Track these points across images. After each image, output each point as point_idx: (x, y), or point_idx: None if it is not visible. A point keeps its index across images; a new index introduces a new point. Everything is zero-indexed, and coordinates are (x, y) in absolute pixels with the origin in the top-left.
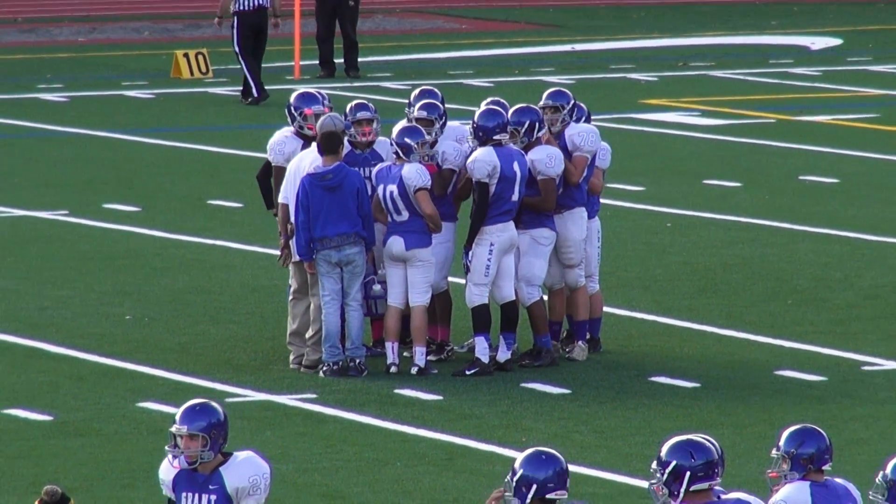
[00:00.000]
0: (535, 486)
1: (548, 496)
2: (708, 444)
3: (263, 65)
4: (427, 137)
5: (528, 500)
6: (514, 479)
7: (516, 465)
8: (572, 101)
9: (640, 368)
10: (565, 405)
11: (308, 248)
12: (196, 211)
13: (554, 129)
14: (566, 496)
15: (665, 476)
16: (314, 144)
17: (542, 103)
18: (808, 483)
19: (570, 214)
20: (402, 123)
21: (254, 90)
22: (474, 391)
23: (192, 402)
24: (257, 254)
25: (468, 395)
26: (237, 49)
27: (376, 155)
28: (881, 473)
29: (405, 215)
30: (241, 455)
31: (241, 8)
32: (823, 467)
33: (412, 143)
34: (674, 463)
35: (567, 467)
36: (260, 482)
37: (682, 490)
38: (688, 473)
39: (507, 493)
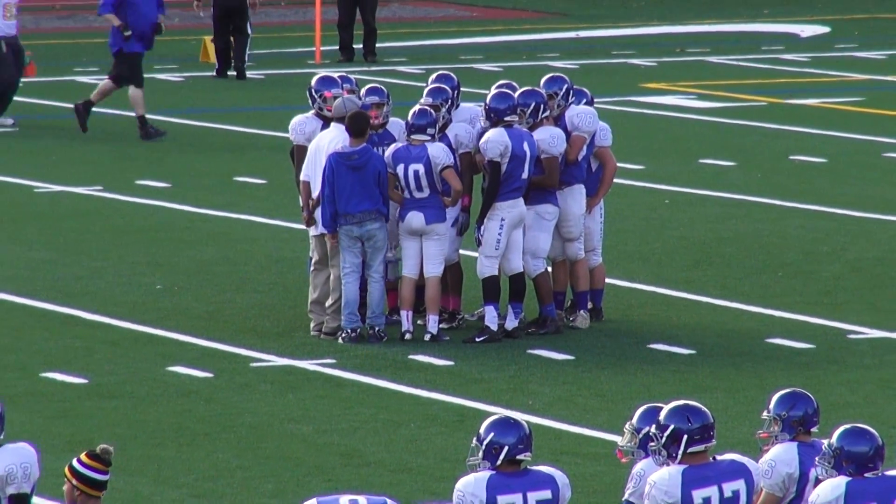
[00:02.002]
0: (506, 449)
1: (517, 457)
2: (702, 408)
3: (284, 50)
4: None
5: (499, 463)
6: (484, 443)
7: (483, 431)
8: (565, 87)
9: (639, 336)
10: (569, 370)
11: (332, 220)
12: (223, 187)
13: (552, 113)
14: (531, 457)
15: (664, 439)
16: (333, 125)
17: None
18: (795, 443)
19: (571, 191)
20: (419, 106)
21: (216, 65)
22: (484, 357)
23: None
24: (280, 227)
25: (478, 360)
26: (213, 29)
27: (388, 135)
28: (827, 442)
29: (426, 192)
30: (11, 446)
31: None
32: (811, 429)
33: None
34: (672, 427)
35: (531, 431)
36: (17, 471)
37: (681, 452)
38: (685, 436)
39: (471, 459)
